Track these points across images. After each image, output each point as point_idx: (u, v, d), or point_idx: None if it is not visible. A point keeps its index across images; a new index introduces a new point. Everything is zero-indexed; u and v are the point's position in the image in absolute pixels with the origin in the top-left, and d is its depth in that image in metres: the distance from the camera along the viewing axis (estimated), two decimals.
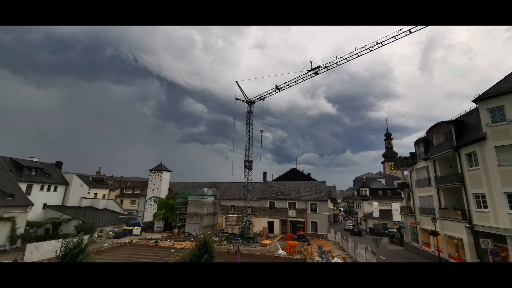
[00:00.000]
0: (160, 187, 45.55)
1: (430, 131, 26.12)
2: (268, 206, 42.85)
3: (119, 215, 40.63)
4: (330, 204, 58.58)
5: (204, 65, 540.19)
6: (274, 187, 45.83)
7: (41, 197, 33.61)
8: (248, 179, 34.71)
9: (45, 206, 34.04)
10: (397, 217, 34.18)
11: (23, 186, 30.31)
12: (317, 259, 22.28)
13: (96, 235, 30.48)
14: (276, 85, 32.60)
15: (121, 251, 26.20)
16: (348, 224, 56.17)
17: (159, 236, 36.42)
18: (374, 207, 45.74)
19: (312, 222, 40.17)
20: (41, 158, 37.26)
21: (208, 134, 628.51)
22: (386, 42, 24.92)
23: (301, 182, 45.87)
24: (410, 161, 30.95)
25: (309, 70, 29.67)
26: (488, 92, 19.43)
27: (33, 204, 27.76)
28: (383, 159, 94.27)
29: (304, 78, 30.65)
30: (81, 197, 39.03)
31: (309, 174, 57.58)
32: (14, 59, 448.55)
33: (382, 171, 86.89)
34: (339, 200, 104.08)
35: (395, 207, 35.04)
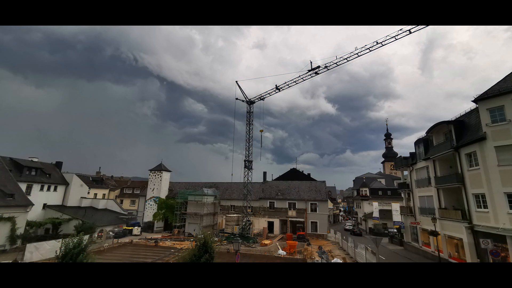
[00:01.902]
0: (160, 187, 45.56)
1: (430, 131, 26.13)
2: (268, 206, 42.85)
3: (119, 215, 40.63)
4: (330, 204, 58.59)
5: (204, 65, 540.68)
6: (274, 187, 45.84)
7: (41, 197, 33.61)
8: (248, 179, 34.71)
9: (45, 206, 34.04)
10: (397, 217, 34.18)
11: (23, 186, 30.32)
12: (317, 259, 22.29)
13: (96, 235, 30.48)
14: (276, 85, 32.60)
15: (121, 251, 26.20)
16: (348, 224, 56.17)
17: (159, 236, 36.43)
18: (374, 207, 45.73)
19: (312, 222, 40.17)
20: (41, 158, 37.34)
21: (208, 134, 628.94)
22: (386, 42, 24.93)
23: (301, 182, 45.87)
24: (410, 161, 30.95)
25: (309, 70, 29.67)
26: (488, 92, 19.43)
27: (33, 204, 27.76)
28: (383, 159, 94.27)
29: (304, 78, 30.66)
30: (81, 197, 39.04)
31: (309, 174, 57.58)
32: (14, 59, 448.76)
33: (382, 171, 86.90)
34: (339, 200, 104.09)
35: (395, 207, 35.04)
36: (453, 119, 23.62)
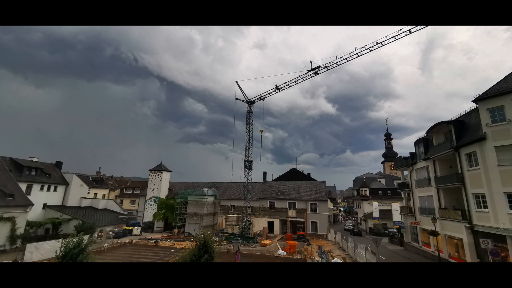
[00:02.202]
0: (160, 187, 45.56)
1: (430, 131, 26.13)
2: (268, 206, 42.85)
3: (119, 215, 40.63)
4: (330, 204, 58.58)
5: (204, 65, 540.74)
6: (274, 187, 45.83)
7: (41, 197, 33.60)
8: (248, 179, 34.71)
9: (45, 206, 34.03)
10: (397, 217, 34.17)
11: (23, 186, 30.31)
12: (317, 259, 22.29)
13: (96, 235, 30.48)
14: (276, 85, 32.60)
15: (121, 251, 26.20)
16: (348, 224, 56.17)
17: (159, 236, 36.43)
18: (374, 207, 45.72)
19: (312, 222, 40.17)
20: (41, 158, 37.33)
21: (208, 134, 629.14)
22: (386, 42, 24.93)
23: (301, 182, 45.87)
24: (410, 161, 30.95)
25: (309, 70, 29.67)
26: (488, 92, 19.43)
27: (33, 204, 27.75)
28: (383, 159, 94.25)
29: (304, 78, 30.66)
30: (81, 197, 39.04)
31: (309, 174, 57.58)
32: (14, 59, 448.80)
33: (382, 171, 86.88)
34: (339, 200, 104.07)
35: (395, 207, 35.03)
36: (453, 119, 23.62)
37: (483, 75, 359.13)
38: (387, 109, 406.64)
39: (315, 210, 40.39)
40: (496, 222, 17.56)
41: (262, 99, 35.28)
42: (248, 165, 34.80)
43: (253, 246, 29.57)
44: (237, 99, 36.01)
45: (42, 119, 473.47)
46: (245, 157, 34.89)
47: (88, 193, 41.02)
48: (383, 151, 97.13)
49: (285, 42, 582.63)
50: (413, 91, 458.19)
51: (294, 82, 31.30)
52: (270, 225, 40.42)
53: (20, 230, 25.71)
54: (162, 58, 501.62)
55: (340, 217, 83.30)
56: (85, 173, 45.91)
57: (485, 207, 18.62)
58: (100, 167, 74.93)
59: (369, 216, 48.81)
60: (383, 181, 61.94)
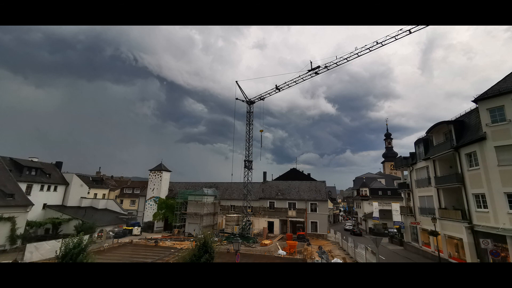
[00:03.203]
0: (160, 187, 45.56)
1: (430, 131, 26.13)
2: (268, 206, 42.85)
3: (119, 215, 40.63)
4: (330, 204, 58.56)
5: (204, 65, 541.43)
6: (274, 187, 45.83)
7: (41, 197, 33.61)
8: (248, 179, 34.71)
9: (45, 206, 34.04)
10: (397, 217, 34.18)
11: (23, 186, 30.31)
12: (317, 259, 22.29)
13: (96, 235, 30.47)
14: (276, 85, 32.61)
15: (121, 251, 26.21)
16: (348, 224, 56.19)
17: (159, 236, 36.43)
18: (374, 207, 45.74)
19: (312, 222, 40.17)
20: (41, 158, 37.35)
21: (208, 134, 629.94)
22: (386, 42, 24.94)
23: (301, 182, 45.86)
24: (410, 161, 30.95)
25: (309, 70, 29.67)
26: (488, 92, 19.44)
27: (33, 204, 27.75)
28: (383, 159, 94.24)
29: (304, 78, 30.67)
30: (81, 197, 39.04)
31: (309, 174, 57.60)
32: (14, 59, 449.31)
33: (382, 171, 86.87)
34: (339, 200, 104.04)
35: (395, 207, 35.04)
36: (453, 119, 23.62)
37: (483, 75, 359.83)
38: (387, 109, 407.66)
39: (315, 210, 40.39)
40: (496, 222, 17.57)
41: (262, 99, 35.29)
42: (248, 165, 34.80)
43: (253, 246, 29.57)
44: (237, 99, 36.04)
45: (42, 119, 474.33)
46: (245, 157, 34.90)
47: (88, 193, 41.02)
48: (383, 151, 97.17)
49: (285, 42, 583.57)
50: (413, 91, 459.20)
51: (294, 82, 31.30)
52: (270, 225, 40.41)
53: (20, 230, 25.71)
54: (162, 58, 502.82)
55: (340, 217, 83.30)
56: (85, 173, 45.93)
57: (485, 207, 18.62)
58: (100, 167, 75.04)
59: (369, 216, 48.81)
60: (383, 181, 61.92)
